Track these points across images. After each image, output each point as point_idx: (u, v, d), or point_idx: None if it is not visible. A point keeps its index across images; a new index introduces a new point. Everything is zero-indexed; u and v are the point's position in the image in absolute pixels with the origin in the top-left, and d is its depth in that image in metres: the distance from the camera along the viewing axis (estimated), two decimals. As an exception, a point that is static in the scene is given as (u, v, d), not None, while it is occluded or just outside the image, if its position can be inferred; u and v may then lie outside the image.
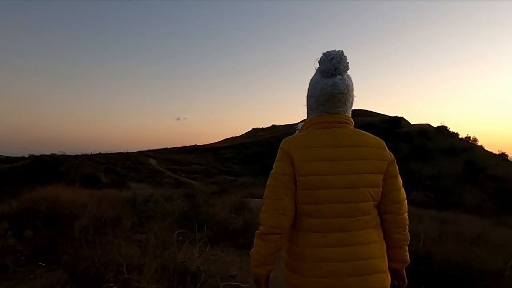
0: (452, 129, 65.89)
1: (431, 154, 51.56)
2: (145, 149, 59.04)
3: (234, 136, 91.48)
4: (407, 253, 1.34)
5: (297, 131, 1.41)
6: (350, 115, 1.35)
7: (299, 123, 1.50)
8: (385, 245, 1.30)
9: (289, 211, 1.22)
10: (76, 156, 40.78)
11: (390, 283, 1.27)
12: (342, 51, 1.26)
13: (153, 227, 3.30)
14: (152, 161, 41.05)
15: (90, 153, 46.65)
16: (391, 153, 1.31)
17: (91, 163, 36.22)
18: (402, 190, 1.32)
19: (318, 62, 1.30)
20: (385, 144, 1.33)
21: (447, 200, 36.10)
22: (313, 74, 1.35)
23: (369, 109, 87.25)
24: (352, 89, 1.31)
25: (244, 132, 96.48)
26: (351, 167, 1.22)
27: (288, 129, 76.07)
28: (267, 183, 1.26)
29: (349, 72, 1.30)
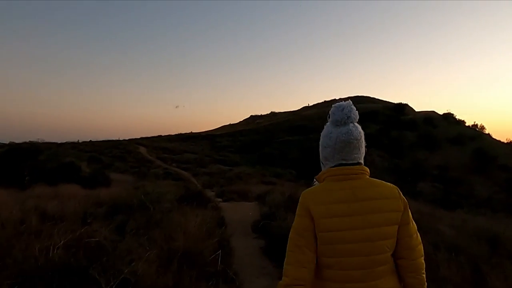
0: (458, 116, 63.46)
1: (438, 143, 49.28)
2: (138, 137, 56.31)
3: (231, 123, 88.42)
4: None
5: (315, 183, 1.45)
6: (363, 162, 1.39)
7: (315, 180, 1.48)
8: None
9: (311, 264, 1.30)
10: (60, 144, 38.40)
11: None
12: (350, 101, 1.38)
13: None
14: (142, 149, 38.38)
15: (77, 140, 44.09)
16: (404, 199, 1.35)
17: (74, 151, 33.83)
18: (415, 235, 1.35)
19: (331, 113, 1.38)
20: (399, 192, 1.36)
21: (456, 191, 34.08)
22: (324, 127, 1.43)
23: (371, 96, 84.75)
24: (363, 137, 1.39)
25: (242, 119, 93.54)
26: (367, 221, 1.28)
27: (288, 116, 73.56)
28: (289, 236, 1.34)
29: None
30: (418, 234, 1.36)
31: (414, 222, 1.36)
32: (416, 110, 70.99)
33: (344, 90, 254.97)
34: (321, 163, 1.44)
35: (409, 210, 1.34)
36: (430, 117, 60.73)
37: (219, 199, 9.90)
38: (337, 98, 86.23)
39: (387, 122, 56.34)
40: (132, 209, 5.47)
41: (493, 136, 57.92)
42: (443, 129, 55.22)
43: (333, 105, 1.38)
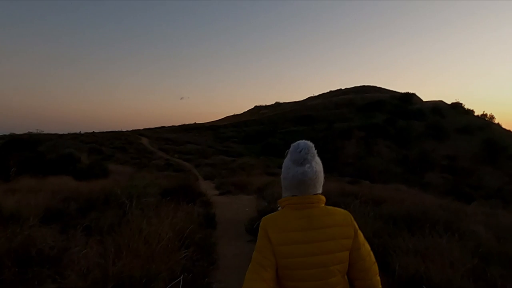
0: (467, 106, 62.01)
1: (446, 133, 48.10)
2: (141, 128, 55.74)
3: (235, 114, 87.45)
4: None
5: (279, 208, 1.50)
6: (321, 191, 1.46)
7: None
8: None
9: (271, 282, 1.36)
10: (61, 135, 37.93)
11: None
12: (308, 142, 1.42)
13: None
14: (144, 140, 37.81)
15: (79, 131, 43.56)
16: (355, 226, 1.42)
17: (75, 142, 33.34)
18: (368, 258, 1.41)
19: (289, 152, 1.43)
20: (351, 218, 1.42)
21: (466, 182, 33.16)
22: (286, 154, 1.47)
23: (378, 85, 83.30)
24: (321, 172, 1.44)
25: (246, 110, 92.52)
26: (322, 248, 1.35)
27: (293, 106, 72.42)
28: (253, 255, 1.40)
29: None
30: (372, 254, 1.43)
31: (366, 243, 1.43)
32: (424, 99, 69.62)
33: (351, 80, 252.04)
34: (283, 188, 1.49)
35: (361, 233, 1.42)
36: (438, 106, 59.39)
37: (216, 192, 9.17)
38: (343, 88, 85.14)
39: (394, 111, 55.09)
40: (108, 205, 4.77)
41: (503, 126, 56.72)
42: (452, 119, 53.96)
43: (292, 144, 1.44)
